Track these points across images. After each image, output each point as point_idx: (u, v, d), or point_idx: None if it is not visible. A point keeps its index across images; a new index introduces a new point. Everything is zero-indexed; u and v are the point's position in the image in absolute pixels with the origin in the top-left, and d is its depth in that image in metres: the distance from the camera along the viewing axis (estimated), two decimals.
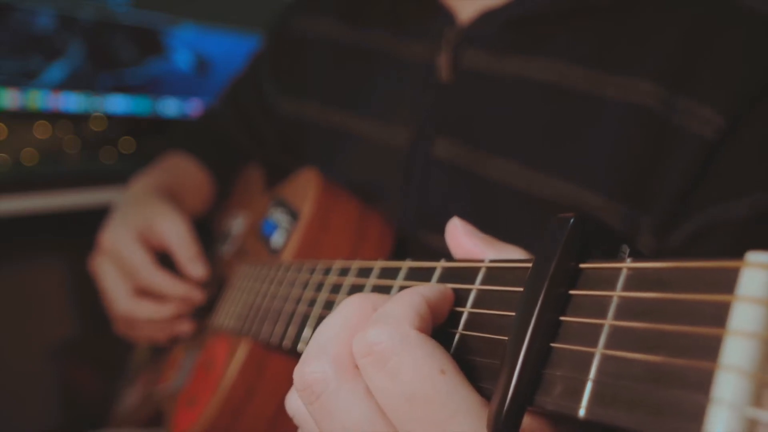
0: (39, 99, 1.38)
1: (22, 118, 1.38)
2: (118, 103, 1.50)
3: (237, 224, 0.87)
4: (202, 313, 0.76)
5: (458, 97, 0.65)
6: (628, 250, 0.28)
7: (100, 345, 1.48)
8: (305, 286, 0.50)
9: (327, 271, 0.47)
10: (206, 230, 0.89)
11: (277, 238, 0.69)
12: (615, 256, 0.27)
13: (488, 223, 0.62)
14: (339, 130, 0.77)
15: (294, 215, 0.67)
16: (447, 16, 0.67)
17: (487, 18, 0.64)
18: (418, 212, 0.67)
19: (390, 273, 0.39)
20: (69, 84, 1.42)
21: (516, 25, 0.62)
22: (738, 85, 0.52)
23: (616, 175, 0.56)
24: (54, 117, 1.43)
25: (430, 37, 0.68)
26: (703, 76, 0.53)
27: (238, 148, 0.97)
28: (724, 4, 0.55)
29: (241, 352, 0.62)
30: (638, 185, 0.55)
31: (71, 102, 1.43)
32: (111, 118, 1.52)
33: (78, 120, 1.47)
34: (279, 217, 0.70)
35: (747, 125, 0.52)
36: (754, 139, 0.52)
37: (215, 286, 0.77)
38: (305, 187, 0.69)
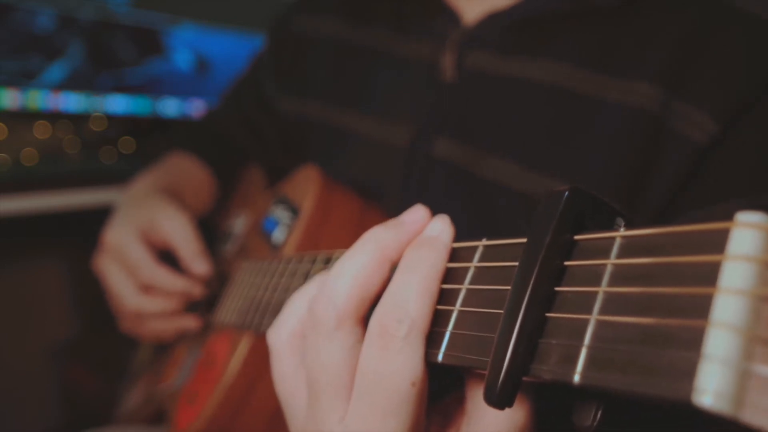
0: (39, 99, 1.38)
1: (22, 118, 1.39)
2: (118, 103, 1.51)
3: (239, 224, 0.87)
4: (206, 310, 0.76)
5: (461, 97, 0.65)
6: (623, 223, 0.28)
7: (100, 345, 1.48)
8: (306, 276, 0.50)
9: (327, 261, 0.47)
10: (209, 230, 0.89)
11: (278, 235, 0.69)
12: (611, 229, 0.27)
13: (486, 224, 0.62)
14: (340, 129, 0.77)
15: (294, 211, 0.67)
16: (452, 16, 0.67)
17: (492, 19, 0.64)
18: None
19: None
20: (69, 84, 1.42)
21: (520, 27, 0.62)
22: (733, 91, 0.52)
23: (615, 177, 0.56)
24: (54, 117, 1.43)
25: (434, 36, 0.68)
26: (700, 80, 0.53)
27: (239, 148, 0.97)
28: (724, 8, 0.55)
29: (242, 348, 0.62)
30: (633, 187, 0.55)
31: (71, 102, 1.43)
32: (111, 118, 1.52)
33: (78, 120, 1.48)
34: (280, 213, 0.70)
35: (737, 131, 0.52)
36: (740, 146, 0.52)
37: (218, 284, 0.77)
38: (305, 184, 0.68)
